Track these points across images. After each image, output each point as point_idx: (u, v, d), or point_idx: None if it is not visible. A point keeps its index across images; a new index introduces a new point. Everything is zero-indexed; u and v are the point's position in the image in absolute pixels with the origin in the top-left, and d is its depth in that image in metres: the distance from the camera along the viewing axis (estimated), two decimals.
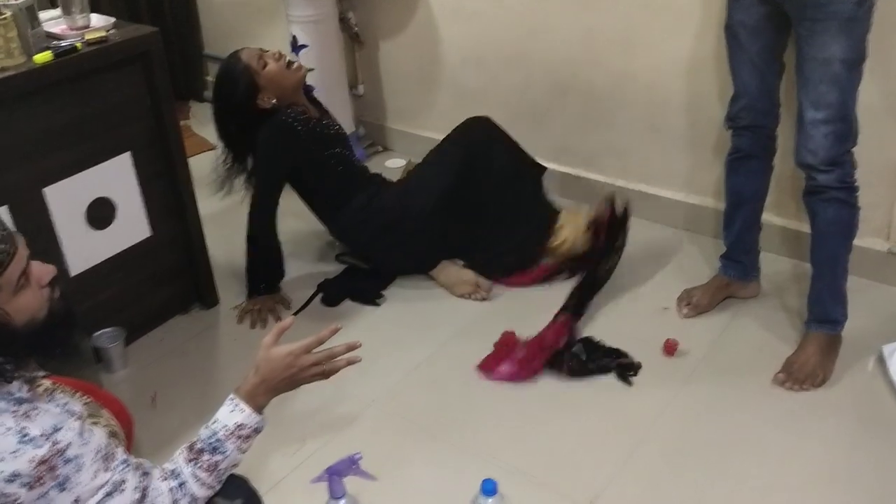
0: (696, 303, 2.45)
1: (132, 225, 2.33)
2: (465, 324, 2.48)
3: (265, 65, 2.48)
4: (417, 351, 2.38)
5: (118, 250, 2.32)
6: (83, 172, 2.17)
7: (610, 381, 2.22)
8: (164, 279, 2.50)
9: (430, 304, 2.59)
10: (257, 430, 1.51)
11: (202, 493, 1.45)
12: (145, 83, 2.24)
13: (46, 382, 1.38)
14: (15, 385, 1.25)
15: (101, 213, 2.24)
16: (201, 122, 3.91)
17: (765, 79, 2.14)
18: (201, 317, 2.60)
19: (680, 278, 2.60)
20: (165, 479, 1.43)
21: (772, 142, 2.27)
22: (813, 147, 2.00)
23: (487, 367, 2.23)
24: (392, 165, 3.45)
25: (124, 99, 2.21)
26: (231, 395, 1.51)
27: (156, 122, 2.30)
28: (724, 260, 2.47)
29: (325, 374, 1.53)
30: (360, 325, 2.50)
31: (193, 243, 2.49)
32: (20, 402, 1.24)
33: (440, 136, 3.34)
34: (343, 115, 3.40)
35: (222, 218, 2.96)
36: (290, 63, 2.53)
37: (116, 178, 2.25)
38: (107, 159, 2.21)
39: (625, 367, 2.23)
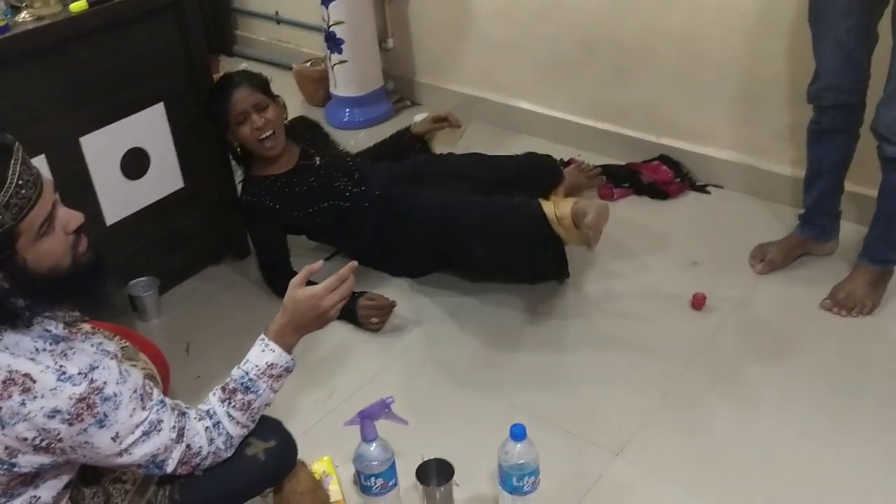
0: (771, 259, 2.40)
1: (166, 175, 2.36)
2: (491, 284, 2.48)
3: (240, 122, 2.29)
4: (447, 300, 2.40)
5: (152, 200, 2.35)
6: (118, 122, 2.19)
7: (638, 333, 2.22)
8: (197, 230, 2.53)
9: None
10: (288, 370, 1.54)
11: (236, 431, 1.49)
12: (179, 33, 2.25)
13: (86, 326, 1.42)
14: (52, 324, 1.29)
15: (135, 164, 2.27)
16: None
17: (850, 57, 2.05)
18: (234, 267, 2.64)
19: (710, 234, 2.59)
20: (201, 419, 1.47)
21: (858, 115, 2.18)
22: (889, 121, 1.98)
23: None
24: (421, 120, 3.43)
25: (158, 49, 2.23)
26: (261, 336, 1.54)
27: (189, 73, 2.31)
28: (802, 220, 2.42)
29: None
30: (393, 279, 2.52)
31: (225, 194, 2.51)
32: (57, 340, 1.27)
33: (468, 91, 3.36)
34: (372, 70, 3.40)
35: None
36: (265, 137, 2.30)
37: (150, 128, 2.27)
38: (141, 109, 2.23)
39: None
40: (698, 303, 2.29)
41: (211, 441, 1.47)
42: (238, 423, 1.50)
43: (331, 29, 3.24)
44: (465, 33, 3.28)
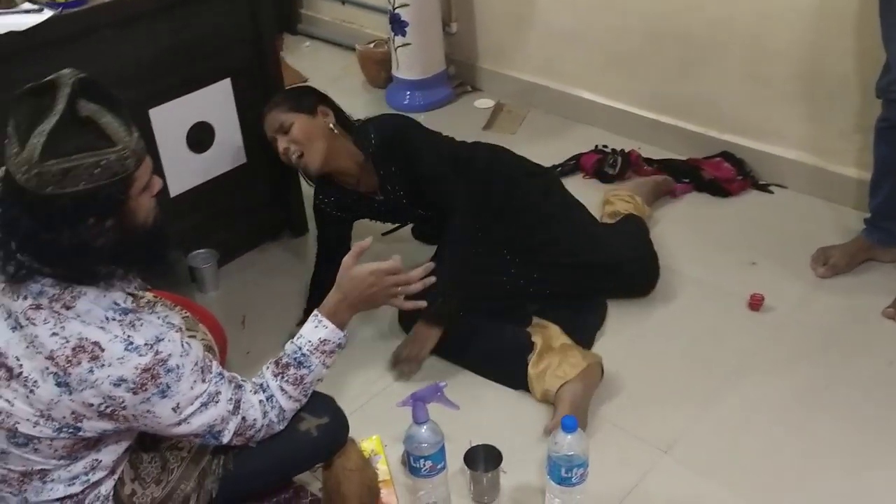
0: (834, 263, 2.34)
1: (229, 150, 2.40)
2: None
3: (275, 148, 2.15)
4: None
5: (215, 174, 2.39)
6: (186, 96, 2.23)
7: (693, 330, 2.20)
8: (256, 206, 2.56)
9: None
10: (340, 346, 1.56)
11: (289, 405, 1.52)
12: (248, 9, 2.27)
13: (148, 296, 1.46)
14: (120, 296, 1.32)
15: (200, 137, 2.31)
16: (294, 55, 3.95)
17: None
18: (290, 244, 2.68)
19: (771, 234, 2.55)
20: (255, 392, 1.50)
21: None
22: None
23: None
24: (480, 106, 3.44)
25: (228, 25, 2.26)
26: (315, 312, 1.56)
27: (256, 50, 2.34)
28: (868, 224, 2.35)
29: (399, 296, 1.63)
30: None
31: (286, 172, 2.54)
32: (125, 312, 1.30)
33: (529, 78, 3.35)
34: (434, 54, 3.40)
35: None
36: (296, 158, 2.12)
37: (217, 103, 2.31)
38: (208, 84, 2.27)
39: None
40: (756, 303, 2.25)
41: (265, 414, 1.50)
42: (290, 397, 1.52)
43: (396, 11, 3.25)
44: (528, 20, 3.25)
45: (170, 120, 2.22)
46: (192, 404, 1.37)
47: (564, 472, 1.61)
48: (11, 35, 1.80)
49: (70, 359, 1.25)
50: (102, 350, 1.26)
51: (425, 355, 2.08)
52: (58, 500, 1.40)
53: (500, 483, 1.77)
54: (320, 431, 1.61)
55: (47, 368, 1.26)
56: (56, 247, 1.23)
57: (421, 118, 3.38)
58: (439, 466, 1.64)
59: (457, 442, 1.76)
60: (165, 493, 1.50)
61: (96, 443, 1.39)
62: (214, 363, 1.44)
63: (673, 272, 2.40)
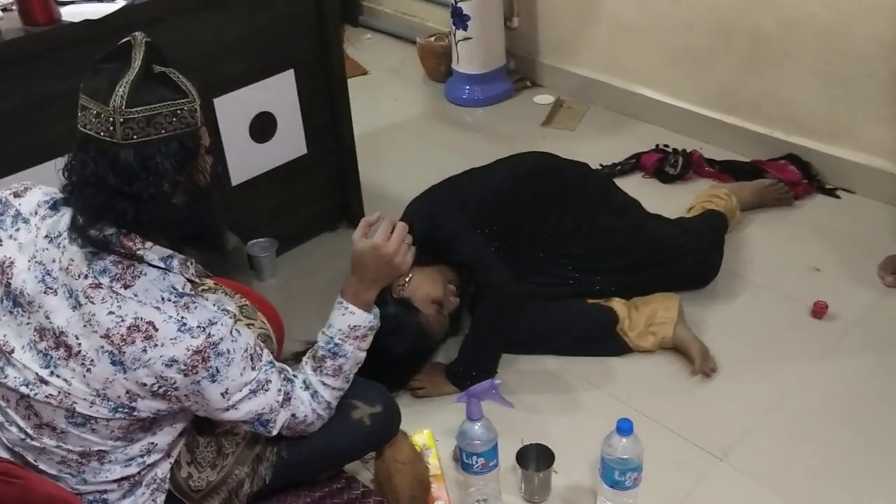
0: None
1: (290, 141, 2.42)
2: None
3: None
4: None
5: (276, 164, 2.41)
6: (250, 86, 2.25)
7: (753, 335, 2.15)
8: (315, 196, 2.58)
9: None
10: (372, 328, 1.57)
11: (333, 395, 1.55)
12: (313, 1, 2.29)
13: (209, 282, 1.48)
14: (179, 281, 1.34)
15: (263, 127, 2.33)
16: (355, 46, 3.97)
17: None
18: (347, 235, 2.65)
19: (837, 240, 2.48)
20: (305, 388, 1.51)
21: None
22: None
23: None
24: (540, 101, 3.41)
25: (292, 15, 2.27)
26: (339, 299, 1.56)
27: (320, 42, 2.35)
28: None
29: (410, 250, 1.60)
30: None
31: (346, 163, 2.56)
32: (181, 295, 1.32)
33: (590, 74, 3.31)
34: (495, 48, 3.39)
35: (374, 140, 3.04)
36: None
37: (279, 93, 2.33)
38: (272, 75, 2.29)
39: None
40: (819, 311, 2.19)
41: (313, 410, 1.52)
42: (333, 388, 1.54)
43: (458, 5, 3.24)
44: (592, 15, 3.21)
45: (234, 109, 2.24)
46: (240, 391, 1.38)
47: (618, 475, 1.59)
48: (86, 23, 1.84)
49: (125, 337, 1.27)
50: (156, 330, 1.28)
51: (435, 396, 2.03)
52: (115, 481, 1.43)
53: (552, 483, 1.76)
54: (373, 420, 1.62)
55: (102, 347, 1.28)
56: (138, 202, 1.27)
57: (479, 113, 3.38)
58: (491, 464, 1.64)
59: (509, 440, 1.75)
60: (220, 477, 1.52)
61: (151, 425, 1.41)
62: (266, 352, 1.45)
63: (734, 275, 2.35)
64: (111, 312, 1.28)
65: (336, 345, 1.53)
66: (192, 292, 1.35)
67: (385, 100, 3.54)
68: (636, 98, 3.19)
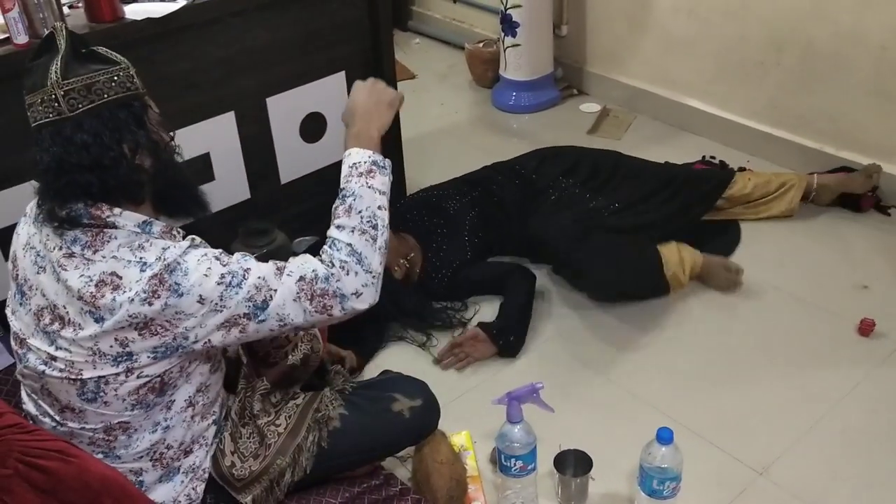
0: None
1: (339, 142, 2.43)
2: None
3: None
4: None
5: (324, 165, 2.45)
6: (302, 87, 2.29)
7: (798, 351, 2.13)
8: None
9: None
10: (376, 164, 1.48)
11: (354, 238, 1.40)
12: (367, 4, 2.32)
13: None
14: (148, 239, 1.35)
15: (313, 128, 2.37)
16: (404, 51, 4.01)
17: None
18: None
19: (886, 258, 2.44)
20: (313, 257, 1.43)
21: None
22: None
23: None
24: (586, 110, 3.41)
25: (345, 18, 2.31)
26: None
27: (371, 45, 2.38)
28: None
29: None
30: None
31: (393, 166, 2.58)
32: (137, 235, 1.34)
33: (638, 84, 3.31)
34: (543, 55, 3.40)
35: (420, 144, 3.07)
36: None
37: (330, 95, 2.36)
38: (323, 76, 2.33)
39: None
40: (866, 329, 2.16)
41: (331, 262, 1.39)
42: (351, 229, 1.41)
43: (508, 11, 3.25)
44: (642, 25, 3.21)
45: (285, 109, 2.29)
46: (217, 288, 1.32)
47: (656, 483, 1.59)
48: (148, 20, 1.89)
49: (94, 294, 1.30)
50: (121, 278, 1.30)
51: (471, 363, 2.17)
52: (147, 452, 1.44)
53: (589, 489, 1.76)
54: (413, 413, 1.63)
55: (83, 308, 1.31)
56: (101, 170, 1.30)
57: (525, 119, 3.39)
58: (530, 467, 1.64)
59: (548, 444, 1.75)
60: (263, 466, 1.54)
61: (162, 386, 1.39)
62: (238, 253, 1.39)
63: (778, 290, 2.33)
64: (82, 275, 1.31)
65: (341, 189, 1.45)
66: (154, 238, 1.34)
67: (432, 104, 3.57)
68: (683, 109, 3.17)
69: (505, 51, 3.39)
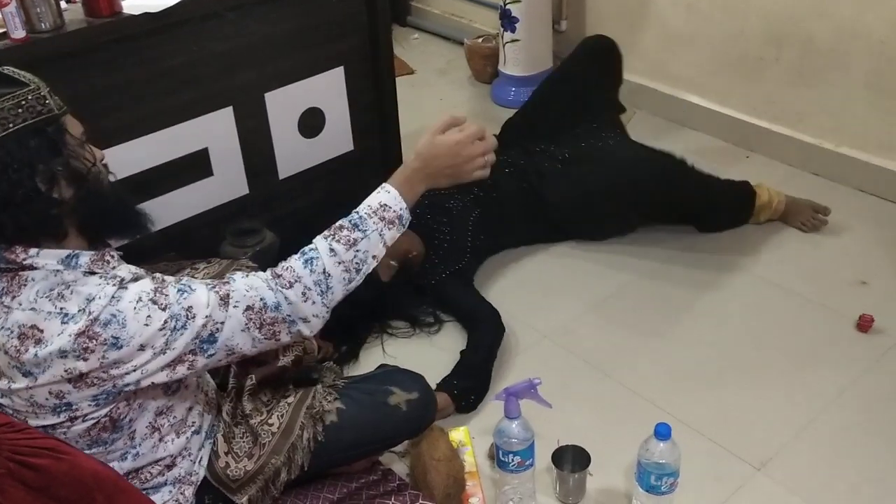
0: None
1: (338, 137, 2.45)
2: (653, 267, 2.45)
3: None
4: (597, 289, 2.38)
5: (322, 160, 2.45)
6: (300, 82, 2.29)
7: (796, 347, 2.13)
8: (360, 193, 2.58)
9: (615, 245, 2.56)
10: (401, 219, 1.41)
11: (335, 270, 1.35)
12: (365, 0, 2.31)
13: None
14: (75, 276, 1.25)
15: (311, 123, 2.36)
16: (402, 46, 4.00)
17: None
18: None
19: (884, 253, 2.44)
20: (271, 275, 1.35)
21: None
22: None
23: None
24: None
25: (344, 13, 2.31)
26: (383, 184, 1.43)
27: (370, 40, 2.38)
28: None
29: (487, 167, 1.46)
30: (546, 258, 2.52)
31: (391, 161, 2.58)
32: (57, 285, 1.24)
33: (637, 79, 3.30)
34: (543, 51, 3.39)
35: (419, 139, 3.06)
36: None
37: (329, 90, 2.36)
38: (322, 71, 2.32)
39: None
40: (865, 325, 2.16)
41: (289, 283, 1.32)
42: (340, 262, 1.35)
43: (507, 7, 3.25)
44: (641, 20, 3.20)
45: (283, 104, 2.28)
46: (160, 334, 1.25)
47: (654, 479, 1.59)
48: (146, 15, 1.89)
49: (18, 348, 1.22)
50: (41, 331, 1.21)
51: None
52: (126, 473, 1.40)
53: (587, 485, 1.76)
54: (409, 406, 1.63)
55: (10, 363, 1.24)
56: (13, 206, 1.19)
57: None
58: (527, 463, 1.64)
59: (545, 440, 1.75)
60: (257, 466, 1.53)
61: (113, 424, 1.34)
62: (171, 287, 1.28)
63: (777, 287, 2.33)
64: (2, 327, 1.23)
65: (360, 217, 1.38)
66: (73, 279, 1.25)
67: (431, 100, 3.57)
68: (682, 105, 3.17)
69: (504, 46, 3.38)
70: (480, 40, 3.66)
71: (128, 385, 1.28)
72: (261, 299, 1.31)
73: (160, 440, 1.44)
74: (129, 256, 1.75)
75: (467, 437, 1.88)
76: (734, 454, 1.85)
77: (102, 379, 1.26)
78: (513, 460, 1.62)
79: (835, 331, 2.18)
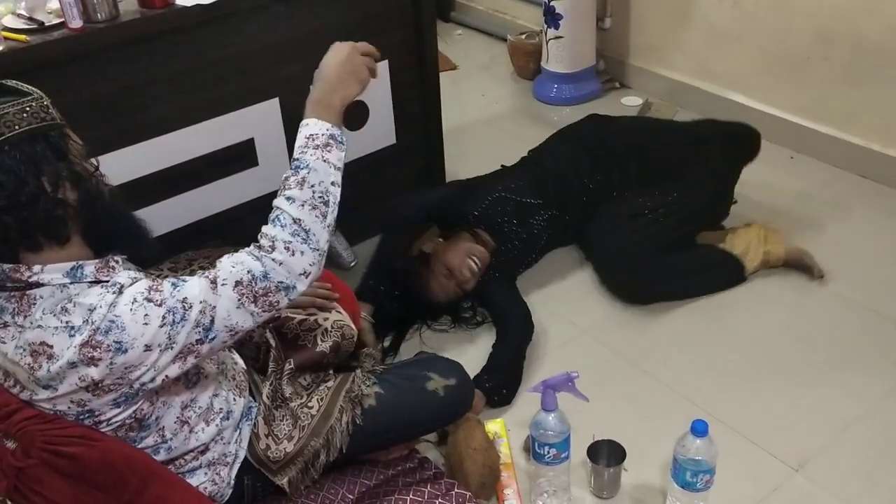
0: None
1: (381, 130, 2.47)
2: None
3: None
4: None
5: (365, 153, 2.47)
6: None
7: (838, 346, 2.11)
8: (401, 186, 2.63)
9: None
10: (334, 137, 1.41)
11: (303, 214, 1.34)
12: None
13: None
14: (81, 288, 1.28)
15: (355, 115, 2.39)
16: (445, 42, 4.02)
17: None
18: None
19: None
20: (252, 246, 1.37)
21: None
22: None
23: None
24: (627, 103, 3.39)
25: (389, 8, 2.32)
26: (300, 124, 1.44)
27: (415, 35, 2.40)
28: None
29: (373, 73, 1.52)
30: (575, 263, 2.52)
31: (433, 155, 2.60)
32: (60, 300, 1.27)
33: (681, 78, 3.28)
34: (586, 48, 3.38)
35: (461, 134, 3.08)
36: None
37: (373, 84, 2.33)
38: None
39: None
40: None
41: (271, 247, 1.33)
42: (301, 203, 1.34)
43: (551, 3, 3.25)
44: (687, 18, 3.18)
45: None
46: (161, 331, 1.27)
47: (690, 476, 1.59)
48: (198, 7, 1.93)
49: (32, 365, 1.25)
50: (51, 346, 1.24)
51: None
52: (161, 461, 1.43)
53: (621, 480, 1.76)
54: (447, 392, 1.66)
55: (29, 377, 1.28)
56: (19, 209, 1.22)
57: (566, 112, 3.37)
58: (563, 455, 1.65)
59: (582, 434, 1.76)
60: (297, 448, 1.57)
61: (139, 423, 1.37)
62: (166, 282, 1.31)
63: (822, 288, 2.31)
64: (17, 346, 1.27)
65: (297, 159, 1.38)
66: (77, 292, 1.27)
67: (473, 95, 3.58)
68: (727, 103, 3.14)
69: (547, 43, 3.38)
70: (524, 37, 3.66)
71: (144, 385, 1.30)
72: (248, 272, 1.31)
73: (191, 432, 1.46)
74: (176, 244, 1.80)
75: (503, 429, 1.89)
76: (772, 454, 1.84)
77: (118, 384, 1.28)
78: (548, 452, 1.63)
79: (879, 332, 2.15)
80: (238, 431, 1.56)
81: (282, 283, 1.33)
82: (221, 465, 1.53)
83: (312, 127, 1.41)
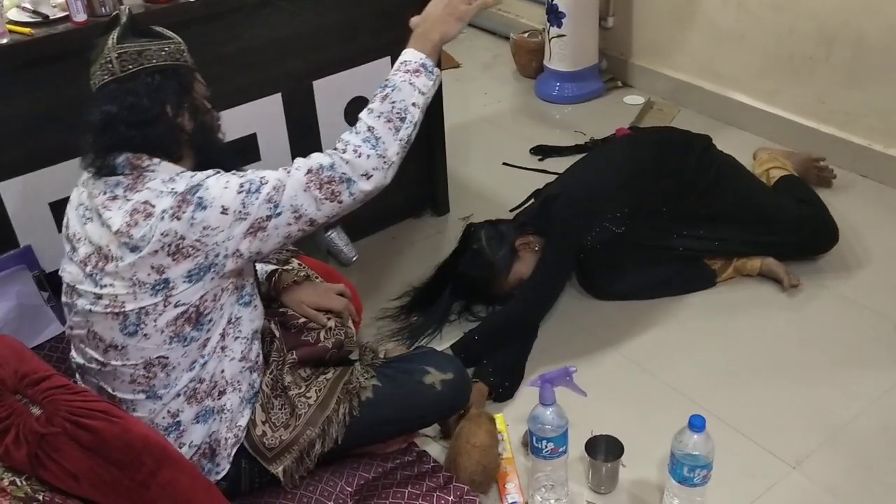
0: None
1: None
2: None
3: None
4: None
5: None
6: (348, 71, 2.32)
7: (837, 346, 2.11)
8: (402, 182, 2.57)
9: None
10: (426, 67, 1.53)
11: (377, 123, 1.48)
12: None
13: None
14: None
15: (357, 112, 2.37)
16: None
17: None
18: (431, 223, 2.74)
19: None
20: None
21: None
22: None
23: None
24: (630, 102, 3.40)
25: (392, 4, 2.32)
26: None
27: None
28: None
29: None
30: None
31: (435, 153, 2.61)
32: (172, 175, 1.45)
33: (683, 77, 3.29)
34: (588, 47, 3.39)
35: (463, 132, 3.09)
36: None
37: (376, 79, 2.35)
38: (369, 61, 2.35)
39: None
40: None
41: (344, 148, 1.47)
42: (378, 114, 1.48)
43: (554, 2, 3.26)
44: (690, 18, 3.19)
45: (330, 92, 2.32)
46: (238, 197, 1.41)
47: (687, 471, 1.59)
48: (202, 2, 1.94)
49: (129, 223, 1.39)
50: (153, 206, 1.40)
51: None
52: (184, 387, 1.49)
53: (619, 475, 1.77)
54: (444, 386, 1.67)
55: (121, 242, 1.40)
56: (144, 125, 1.43)
57: (568, 110, 3.39)
58: (561, 450, 1.66)
59: (579, 429, 1.77)
60: (292, 436, 1.58)
61: (198, 316, 1.46)
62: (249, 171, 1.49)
63: (822, 287, 2.32)
64: (122, 209, 1.41)
65: (387, 79, 1.52)
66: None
67: (475, 93, 3.59)
68: (729, 103, 3.15)
69: (550, 41, 3.39)
70: (526, 35, 3.67)
71: (217, 256, 1.42)
72: (318, 163, 1.46)
73: (223, 351, 1.52)
74: None
75: (503, 425, 1.90)
76: (770, 451, 1.84)
77: (195, 248, 1.40)
78: (546, 447, 1.64)
79: (879, 333, 2.15)
80: (242, 404, 1.57)
81: (345, 174, 1.45)
82: (229, 430, 1.54)
83: (408, 55, 1.55)
